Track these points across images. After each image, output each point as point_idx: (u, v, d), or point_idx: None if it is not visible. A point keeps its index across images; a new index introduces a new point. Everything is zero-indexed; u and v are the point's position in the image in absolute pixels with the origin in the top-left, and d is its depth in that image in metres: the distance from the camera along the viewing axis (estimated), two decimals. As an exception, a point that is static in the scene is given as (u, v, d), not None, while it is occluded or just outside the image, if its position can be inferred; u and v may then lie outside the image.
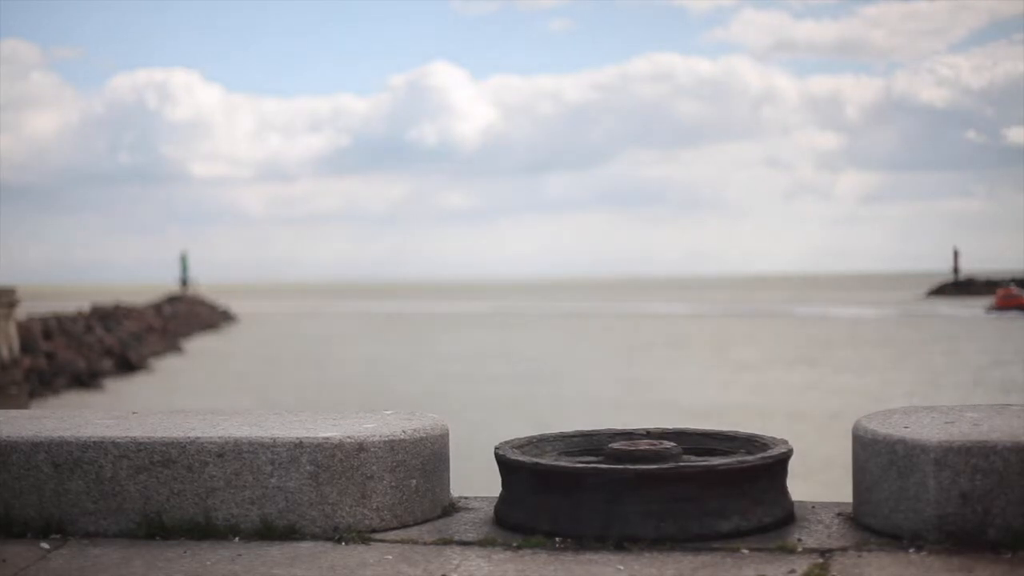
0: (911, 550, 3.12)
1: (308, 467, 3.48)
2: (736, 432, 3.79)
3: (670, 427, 3.87)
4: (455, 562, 3.21)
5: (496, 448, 3.61)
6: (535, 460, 3.46)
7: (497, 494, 3.67)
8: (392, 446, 3.53)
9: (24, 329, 29.92)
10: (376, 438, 3.52)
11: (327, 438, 3.50)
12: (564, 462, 3.46)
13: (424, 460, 3.62)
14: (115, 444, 3.60)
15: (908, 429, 3.30)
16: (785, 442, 3.55)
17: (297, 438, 3.51)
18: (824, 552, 3.17)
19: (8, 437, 3.67)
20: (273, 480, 3.50)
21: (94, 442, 3.61)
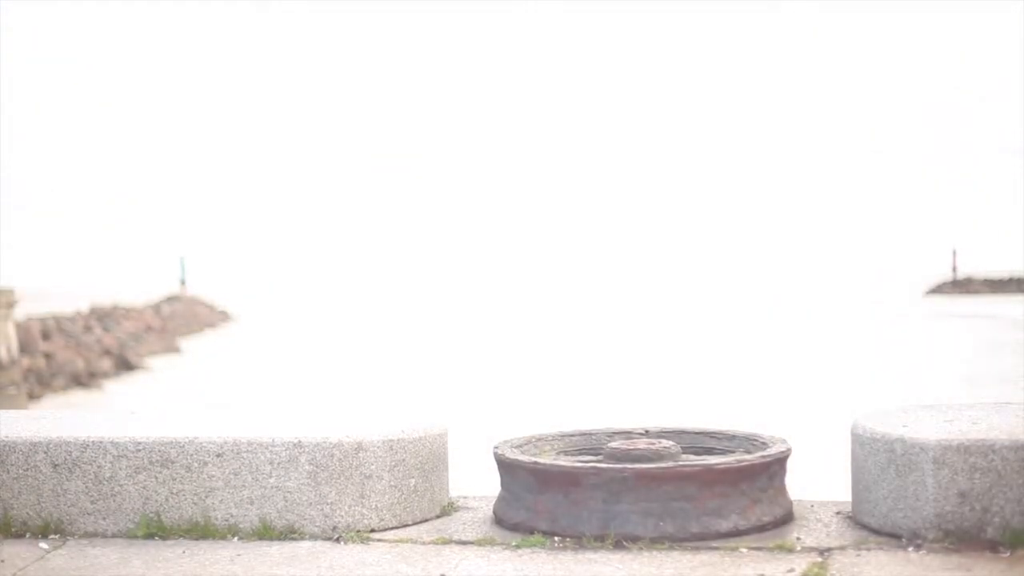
0: (910, 549, 3.13)
1: (307, 467, 3.48)
2: (735, 431, 3.79)
3: (669, 426, 3.87)
4: (454, 561, 3.21)
5: (495, 447, 3.62)
6: (534, 459, 3.46)
7: (496, 494, 3.67)
8: (391, 445, 3.53)
9: (23, 329, 29.88)
10: (375, 438, 3.52)
11: (326, 438, 3.50)
12: (563, 461, 3.46)
13: (423, 459, 3.62)
14: (114, 444, 3.60)
15: (907, 428, 3.30)
16: (784, 441, 3.55)
17: (296, 438, 3.51)
18: (823, 551, 3.17)
19: (7, 437, 3.67)
20: (272, 480, 3.51)
21: (93, 442, 3.61)
